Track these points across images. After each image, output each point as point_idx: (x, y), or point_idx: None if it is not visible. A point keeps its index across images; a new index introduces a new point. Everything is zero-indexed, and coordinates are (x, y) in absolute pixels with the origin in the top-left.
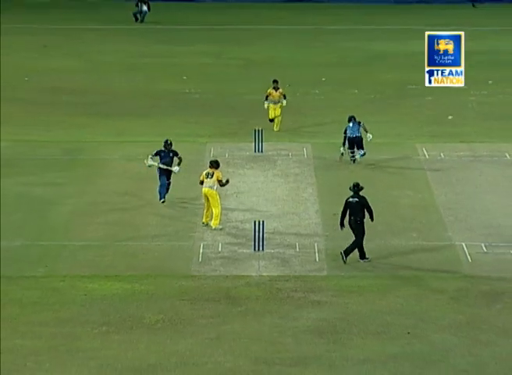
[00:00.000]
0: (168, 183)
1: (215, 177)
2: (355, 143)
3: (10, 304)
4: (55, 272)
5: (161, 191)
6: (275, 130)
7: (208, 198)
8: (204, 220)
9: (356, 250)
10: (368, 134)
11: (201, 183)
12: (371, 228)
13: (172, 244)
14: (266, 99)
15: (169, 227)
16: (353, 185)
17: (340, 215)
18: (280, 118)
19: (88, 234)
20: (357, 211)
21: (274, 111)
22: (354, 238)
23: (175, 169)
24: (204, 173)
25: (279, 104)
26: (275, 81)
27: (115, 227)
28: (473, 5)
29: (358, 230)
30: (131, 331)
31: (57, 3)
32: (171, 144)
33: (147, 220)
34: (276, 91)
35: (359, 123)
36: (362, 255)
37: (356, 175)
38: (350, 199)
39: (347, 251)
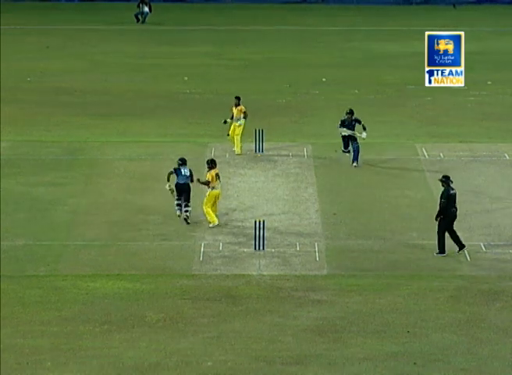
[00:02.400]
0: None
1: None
2: (349, 140)
3: (12, 303)
4: (56, 271)
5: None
6: (236, 152)
7: (215, 200)
8: (218, 222)
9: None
10: (364, 133)
11: (207, 184)
12: (370, 227)
13: (173, 244)
14: (231, 117)
15: (170, 227)
16: (446, 177)
17: (442, 207)
18: (240, 138)
19: (90, 234)
20: (455, 202)
21: (233, 129)
22: (451, 230)
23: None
24: (215, 174)
25: (238, 122)
26: (236, 98)
27: (117, 227)
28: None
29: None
30: (132, 330)
31: (58, 4)
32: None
33: (148, 220)
34: (236, 107)
35: (356, 120)
36: (461, 247)
37: (356, 175)
38: (451, 191)
39: (460, 244)
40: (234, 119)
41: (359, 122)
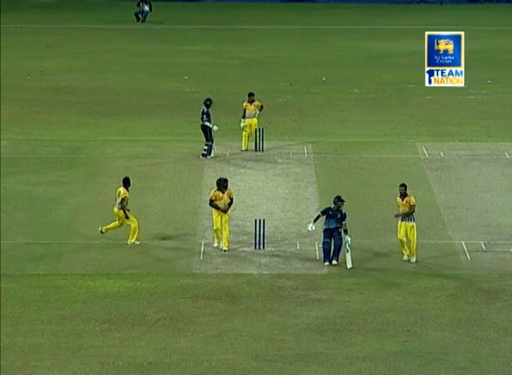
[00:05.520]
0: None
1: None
2: (332, 234)
3: (12, 302)
4: (56, 270)
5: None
6: (243, 148)
7: (225, 220)
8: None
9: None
10: (347, 237)
11: (212, 203)
12: (370, 227)
13: (173, 243)
14: (243, 116)
15: (171, 226)
16: None
17: None
18: (248, 134)
19: (90, 233)
20: None
21: (250, 127)
22: None
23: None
24: (219, 194)
25: (255, 118)
26: (250, 94)
27: None
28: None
29: None
30: (133, 329)
31: (58, 3)
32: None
33: (148, 219)
34: (251, 103)
35: (343, 215)
36: None
37: (356, 174)
38: None
39: None
40: (248, 115)
41: (343, 218)
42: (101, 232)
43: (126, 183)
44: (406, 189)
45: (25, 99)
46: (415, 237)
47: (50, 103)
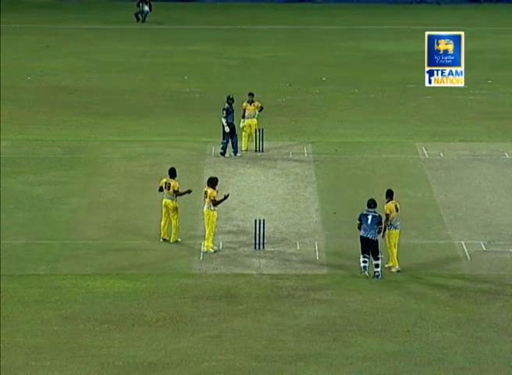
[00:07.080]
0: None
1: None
2: (370, 247)
3: (12, 302)
4: (56, 270)
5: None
6: (243, 148)
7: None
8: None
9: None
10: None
11: (216, 203)
12: None
13: (173, 243)
14: (243, 116)
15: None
16: None
17: None
18: (248, 135)
19: (90, 233)
20: None
21: (250, 128)
22: None
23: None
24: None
25: (255, 119)
26: (250, 94)
27: (117, 226)
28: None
29: None
30: (132, 329)
31: (58, 3)
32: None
33: (148, 219)
34: (251, 104)
35: (378, 216)
36: None
37: (356, 174)
38: None
39: None
40: (248, 116)
41: (380, 222)
42: (177, 241)
43: (173, 173)
44: (391, 196)
45: (25, 99)
46: (392, 245)
47: (50, 103)
